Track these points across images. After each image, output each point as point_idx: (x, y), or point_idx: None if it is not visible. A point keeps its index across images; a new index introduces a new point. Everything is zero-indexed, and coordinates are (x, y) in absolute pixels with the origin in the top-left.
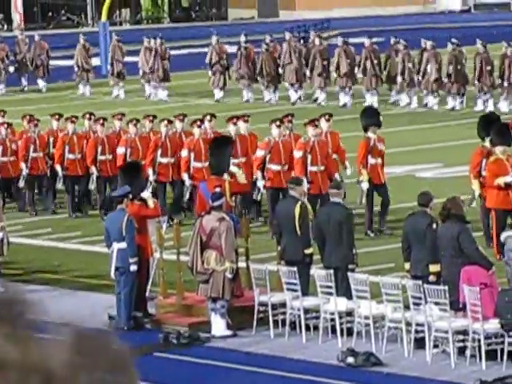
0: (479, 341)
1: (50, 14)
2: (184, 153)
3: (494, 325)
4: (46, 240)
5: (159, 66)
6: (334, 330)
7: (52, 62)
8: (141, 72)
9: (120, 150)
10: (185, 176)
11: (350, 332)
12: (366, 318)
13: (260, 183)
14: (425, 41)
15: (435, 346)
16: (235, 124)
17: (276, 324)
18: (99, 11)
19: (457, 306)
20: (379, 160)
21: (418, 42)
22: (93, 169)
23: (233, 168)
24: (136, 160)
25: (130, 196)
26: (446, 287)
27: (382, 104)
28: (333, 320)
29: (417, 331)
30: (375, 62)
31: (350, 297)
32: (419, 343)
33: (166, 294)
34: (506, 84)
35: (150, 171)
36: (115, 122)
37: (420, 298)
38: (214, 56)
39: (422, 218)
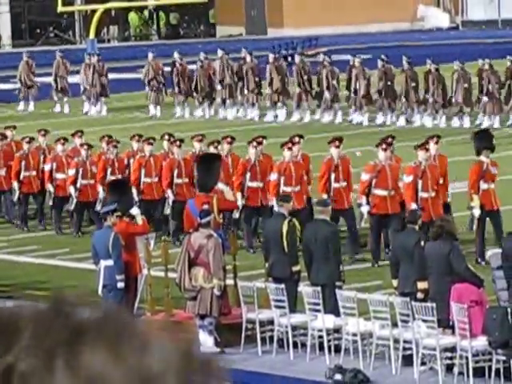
0: (467, 358)
1: (38, 31)
2: (273, 176)
3: (481, 342)
4: (34, 257)
5: (97, 81)
6: (321, 347)
7: (39, 79)
8: (81, 88)
9: None
10: (270, 201)
11: (337, 349)
12: (354, 335)
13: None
14: (353, 58)
15: (423, 364)
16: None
17: (264, 341)
18: (87, 28)
19: (445, 324)
20: (492, 185)
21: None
22: (169, 192)
23: (221, 185)
24: (124, 177)
25: (117, 213)
26: (434, 304)
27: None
28: (320, 337)
29: (404, 348)
30: (305, 77)
31: (337, 314)
32: (407, 360)
33: (153, 311)
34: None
35: (238, 196)
36: (195, 143)
37: (408, 315)
38: (151, 73)
39: (411, 235)
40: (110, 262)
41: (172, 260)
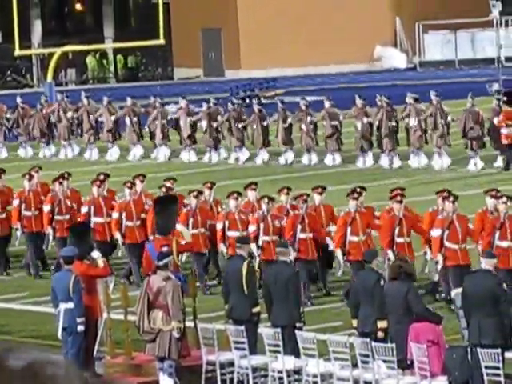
0: None
1: None
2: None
3: (442, 382)
4: None
5: None
6: None
7: None
8: None
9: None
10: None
11: None
12: (314, 376)
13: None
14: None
15: None
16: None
17: (224, 383)
18: (45, 72)
19: (405, 364)
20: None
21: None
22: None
23: (179, 227)
24: (84, 221)
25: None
26: (394, 345)
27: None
28: (281, 378)
29: None
30: (188, 119)
31: (297, 355)
32: None
33: (113, 354)
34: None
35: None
36: (281, 197)
37: (368, 356)
38: None
39: (370, 274)
40: (70, 305)
41: (131, 303)
